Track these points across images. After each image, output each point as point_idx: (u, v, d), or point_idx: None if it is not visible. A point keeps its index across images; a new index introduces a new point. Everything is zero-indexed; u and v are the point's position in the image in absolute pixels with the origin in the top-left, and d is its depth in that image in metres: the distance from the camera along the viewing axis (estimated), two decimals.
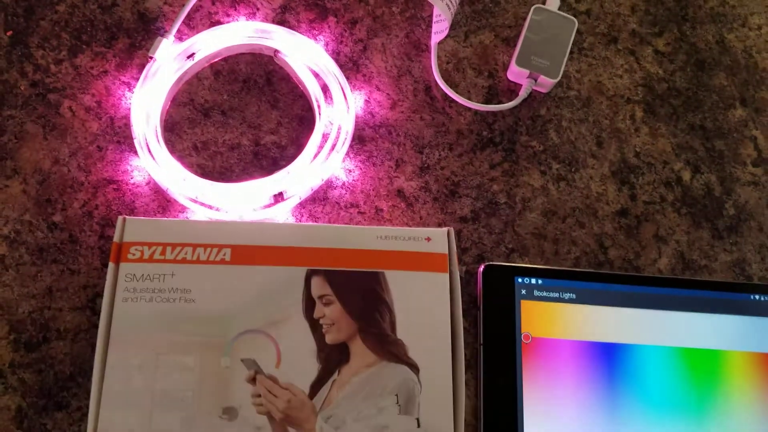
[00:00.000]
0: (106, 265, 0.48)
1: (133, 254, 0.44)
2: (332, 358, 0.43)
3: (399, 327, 0.44)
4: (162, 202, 0.50)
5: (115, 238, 0.44)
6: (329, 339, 0.43)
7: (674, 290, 0.51)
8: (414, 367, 0.43)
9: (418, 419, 0.42)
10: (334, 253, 0.45)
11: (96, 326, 0.45)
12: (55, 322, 0.47)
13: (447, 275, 0.45)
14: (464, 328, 0.49)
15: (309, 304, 0.44)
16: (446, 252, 0.46)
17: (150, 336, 0.42)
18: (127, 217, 0.45)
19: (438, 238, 0.46)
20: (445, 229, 0.47)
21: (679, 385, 0.48)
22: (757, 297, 0.51)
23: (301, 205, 0.51)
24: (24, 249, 0.48)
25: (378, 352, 0.43)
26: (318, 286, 0.44)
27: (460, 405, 0.43)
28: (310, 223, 0.50)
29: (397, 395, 0.42)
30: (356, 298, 0.44)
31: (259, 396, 0.41)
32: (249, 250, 0.44)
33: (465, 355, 0.49)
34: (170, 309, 0.42)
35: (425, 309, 0.44)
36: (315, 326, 0.43)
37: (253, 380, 0.42)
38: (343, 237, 0.46)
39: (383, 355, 0.43)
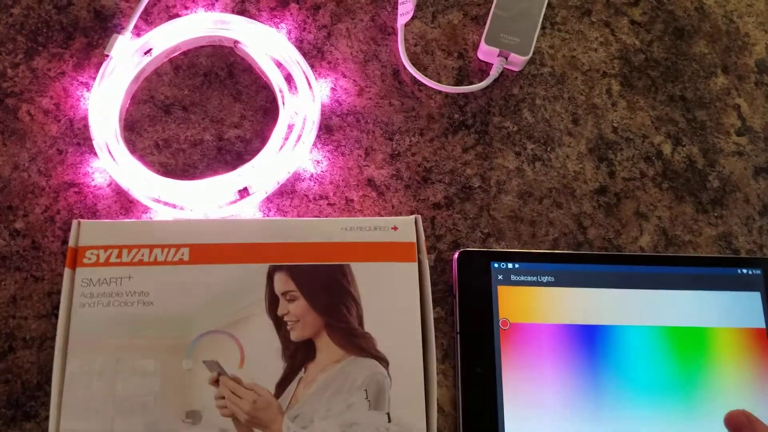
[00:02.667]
0: None
1: (89, 258, 0.42)
2: (298, 355, 0.41)
3: (367, 320, 0.42)
4: (125, 203, 0.49)
5: (71, 243, 0.43)
6: (294, 336, 0.42)
7: (657, 268, 0.49)
8: (383, 361, 0.42)
9: (388, 414, 0.41)
10: (297, 247, 0.44)
11: None
12: (20, 330, 0.46)
13: (416, 264, 0.44)
14: (441, 316, 0.48)
15: (272, 301, 0.42)
16: (414, 240, 0.44)
17: (109, 341, 0.41)
18: (81, 220, 0.44)
19: (405, 227, 0.45)
20: (412, 217, 0.45)
21: (664, 366, 0.47)
22: (744, 271, 0.50)
23: (269, 199, 0.50)
24: None
25: (345, 347, 0.42)
26: (281, 283, 0.43)
27: (432, 398, 0.41)
28: (271, 217, 0.49)
29: (366, 390, 0.41)
30: (321, 293, 0.43)
31: (223, 398, 0.40)
32: (208, 249, 0.43)
33: (442, 344, 0.47)
34: (128, 313, 0.41)
35: (394, 300, 0.43)
36: (279, 324, 0.42)
37: (216, 382, 0.41)
38: (306, 230, 0.44)
39: (351, 349, 0.42)
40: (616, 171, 0.52)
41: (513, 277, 0.48)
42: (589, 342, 0.47)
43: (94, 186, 0.49)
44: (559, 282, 0.48)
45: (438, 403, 0.46)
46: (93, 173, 0.49)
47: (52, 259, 0.48)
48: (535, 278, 0.48)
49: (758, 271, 0.50)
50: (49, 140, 0.50)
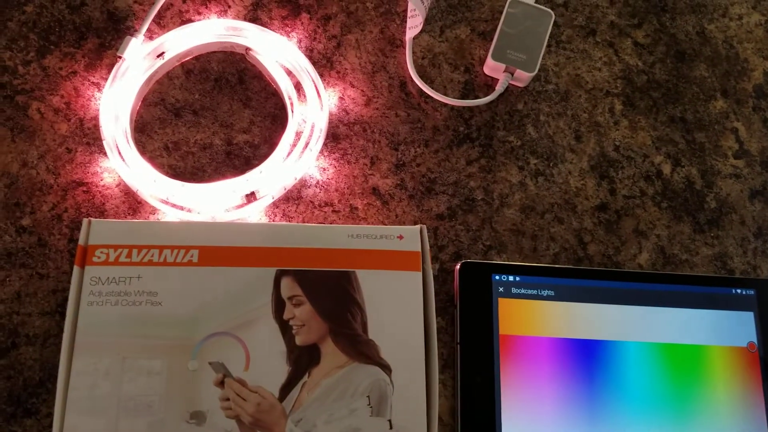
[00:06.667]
0: None
1: (99, 257, 0.43)
2: (302, 359, 0.42)
3: (371, 327, 0.43)
4: (133, 203, 0.49)
5: (80, 241, 0.43)
6: (299, 340, 0.42)
7: (654, 285, 0.50)
8: (386, 368, 0.42)
9: (390, 421, 0.41)
10: (304, 252, 0.44)
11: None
12: (24, 327, 0.47)
13: (420, 274, 0.45)
14: (442, 326, 0.49)
15: (279, 305, 0.43)
16: (419, 250, 0.45)
17: (116, 340, 0.41)
18: (92, 219, 0.44)
19: (411, 236, 0.45)
20: (417, 226, 0.46)
21: (659, 381, 0.48)
22: (738, 291, 0.51)
23: (275, 204, 0.50)
24: None
25: (349, 353, 0.42)
26: (288, 287, 0.43)
27: (434, 406, 0.42)
28: (280, 222, 0.50)
29: (368, 397, 0.42)
30: (327, 299, 0.43)
31: (228, 400, 0.41)
32: (217, 251, 0.43)
33: (442, 354, 0.48)
34: (136, 312, 0.42)
35: (398, 308, 0.44)
36: (285, 328, 0.42)
37: (221, 383, 0.41)
38: (314, 236, 0.45)
39: (354, 356, 0.42)
40: (617, 189, 0.53)
41: (513, 290, 0.49)
42: (587, 356, 0.48)
43: (103, 186, 0.50)
44: (559, 296, 0.49)
45: None
46: (102, 173, 0.50)
47: (58, 257, 0.48)
48: (535, 292, 0.49)
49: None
50: (58, 138, 0.50)
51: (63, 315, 0.47)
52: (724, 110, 0.56)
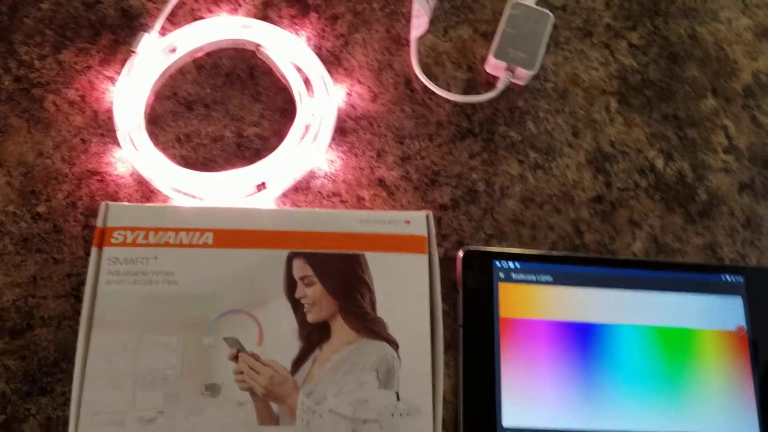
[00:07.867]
0: (89, 254, 0.48)
1: (116, 239, 0.44)
2: (313, 336, 0.43)
3: (379, 306, 0.45)
4: (146, 192, 0.51)
5: (98, 224, 0.45)
6: (311, 318, 0.44)
7: (647, 272, 0.52)
8: (393, 344, 0.44)
9: (397, 393, 0.43)
10: (315, 236, 0.46)
11: (80, 313, 0.46)
12: (39, 309, 0.48)
13: (426, 256, 0.46)
14: (445, 310, 0.50)
15: (290, 284, 0.44)
16: (425, 234, 0.47)
17: (133, 317, 0.43)
18: (110, 202, 0.45)
19: (417, 221, 0.47)
20: (424, 212, 0.48)
21: (652, 363, 0.49)
22: (726, 277, 0.53)
23: (284, 194, 0.52)
24: (8, 239, 0.49)
25: (358, 330, 0.44)
26: (299, 268, 0.45)
27: (439, 378, 0.44)
28: (292, 208, 0.51)
29: (377, 370, 0.43)
30: (337, 279, 0.45)
31: (242, 373, 0.42)
32: (231, 234, 0.45)
33: (445, 336, 0.50)
34: (153, 291, 0.43)
35: (404, 288, 0.45)
36: (297, 306, 0.44)
37: (235, 358, 0.42)
38: (324, 221, 0.46)
39: (363, 332, 0.44)
40: (612, 181, 0.55)
41: (514, 276, 0.51)
42: (583, 338, 0.50)
43: (117, 175, 0.51)
44: (557, 281, 0.51)
45: None
46: (116, 163, 0.51)
47: (73, 243, 0.49)
48: (534, 277, 0.51)
49: (740, 278, 0.53)
50: (73, 130, 0.52)
51: (77, 298, 0.48)
52: (715, 108, 0.59)
